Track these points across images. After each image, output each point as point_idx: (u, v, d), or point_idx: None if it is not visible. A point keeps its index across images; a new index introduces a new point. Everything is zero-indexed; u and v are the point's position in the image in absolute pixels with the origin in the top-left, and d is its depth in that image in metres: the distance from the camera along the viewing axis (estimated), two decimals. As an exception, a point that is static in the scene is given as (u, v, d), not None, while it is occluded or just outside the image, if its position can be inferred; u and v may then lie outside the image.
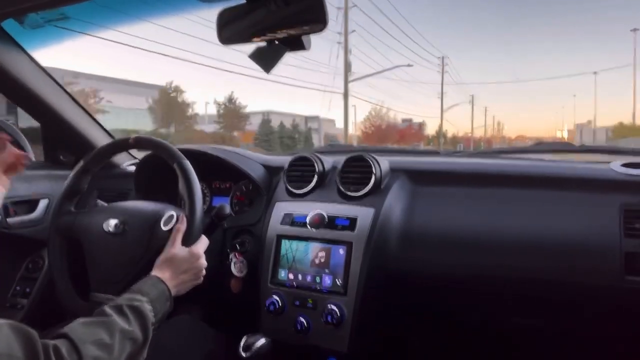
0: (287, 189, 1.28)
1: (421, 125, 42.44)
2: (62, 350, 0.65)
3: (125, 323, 0.76)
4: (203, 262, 0.99)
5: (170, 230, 1.00)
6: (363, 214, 1.14)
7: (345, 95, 21.02)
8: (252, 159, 1.39)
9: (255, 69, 0.87)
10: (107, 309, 0.78)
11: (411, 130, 39.82)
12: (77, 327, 0.71)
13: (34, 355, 0.61)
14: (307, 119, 34.02)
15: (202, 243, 1.01)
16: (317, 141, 28.71)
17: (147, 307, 0.82)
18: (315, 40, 0.86)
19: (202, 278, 1.00)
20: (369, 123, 34.85)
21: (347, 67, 20.88)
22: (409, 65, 25.30)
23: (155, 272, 0.92)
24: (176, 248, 0.96)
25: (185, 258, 0.95)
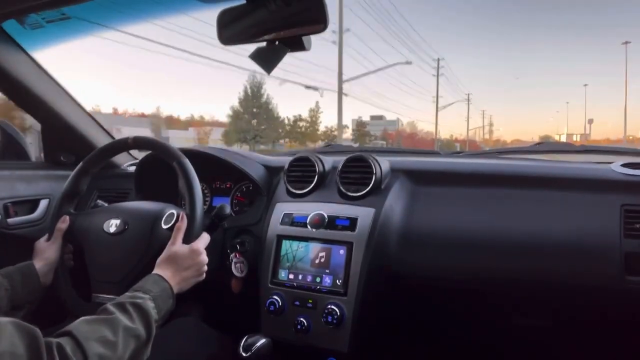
0: (287, 189, 1.28)
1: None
2: (67, 348, 0.65)
3: (128, 320, 0.76)
4: (204, 257, 1.00)
5: (171, 228, 1.00)
6: (363, 214, 1.14)
7: (340, 95, 19.87)
8: (253, 159, 1.39)
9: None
10: (110, 307, 0.78)
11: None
12: (80, 325, 0.71)
13: (37, 354, 0.61)
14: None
15: (203, 239, 1.02)
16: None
17: (150, 305, 0.82)
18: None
19: (204, 274, 1.00)
20: None
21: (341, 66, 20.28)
22: (407, 63, 24.43)
23: (156, 271, 0.92)
24: (177, 246, 0.96)
25: (186, 255, 0.96)
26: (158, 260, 0.95)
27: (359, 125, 42.21)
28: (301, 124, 36.29)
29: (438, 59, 35.25)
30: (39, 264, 1.02)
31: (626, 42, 32.93)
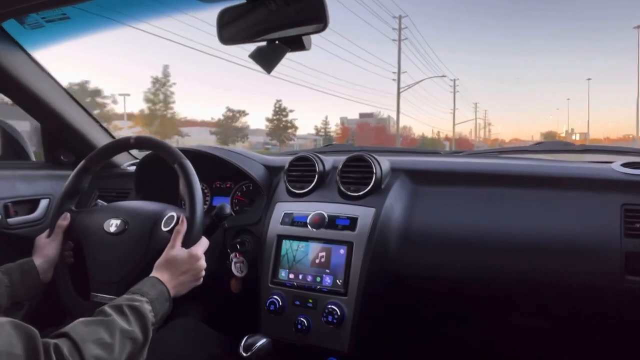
0: (287, 189, 1.28)
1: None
2: (64, 349, 0.66)
3: (125, 323, 0.76)
4: (202, 263, 1.00)
5: (171, 231, 1.00)
6: (363, 214, 1.14)
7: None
8: (253, 159, 1.39)
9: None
10: (107, 309, 0.78)
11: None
12: (78, 327, 0.72)
13: (34, 354, 0.61)
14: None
15: (202, 244, 1.01)
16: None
17: (147, 308, 0.82)
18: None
19: (201, 279, 1.00)
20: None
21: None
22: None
23: (154, 274, 0.92)
24: (176, 249, 0.96)
25: (184, 259, 0.96)
26: (156, 263, 0.94)
27: (277, 113, 30.31)
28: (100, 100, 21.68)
29: (400, 16, 26.74)
30: (38, 260, 1.02)
31: (638, 27, 29.57)
